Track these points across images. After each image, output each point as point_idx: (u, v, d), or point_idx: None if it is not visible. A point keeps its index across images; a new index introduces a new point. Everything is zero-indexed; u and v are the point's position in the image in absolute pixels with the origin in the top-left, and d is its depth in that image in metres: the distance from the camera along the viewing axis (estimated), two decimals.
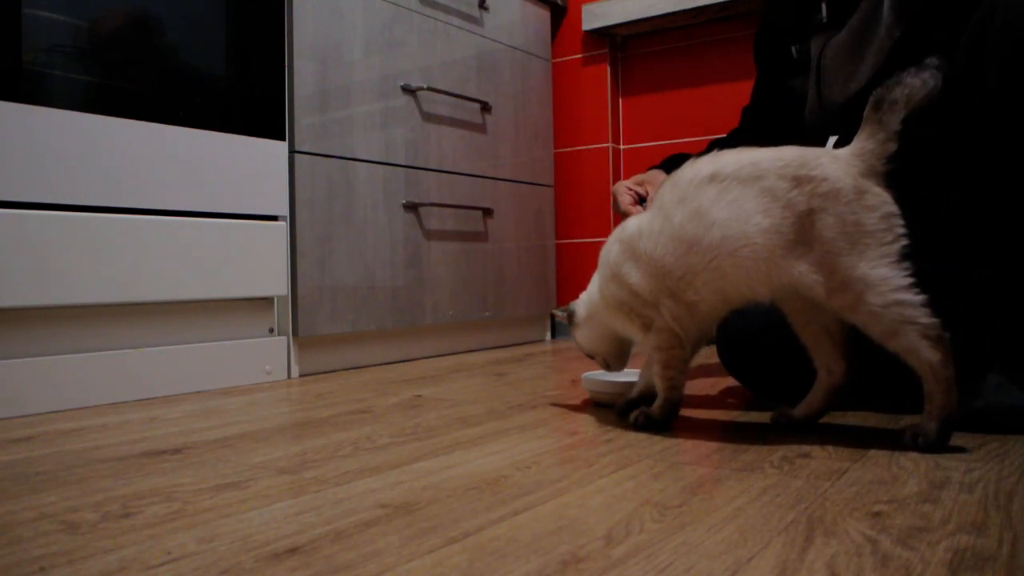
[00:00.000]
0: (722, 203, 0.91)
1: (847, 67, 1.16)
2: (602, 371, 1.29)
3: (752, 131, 1.38)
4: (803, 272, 0.88)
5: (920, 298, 0.83)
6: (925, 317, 0.83)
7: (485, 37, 2.14)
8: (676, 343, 0.99)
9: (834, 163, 0.88)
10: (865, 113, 0.88)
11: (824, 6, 1.19)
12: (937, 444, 0.86)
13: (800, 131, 1.32)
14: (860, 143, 0.88)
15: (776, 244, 0.88)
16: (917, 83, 0.84)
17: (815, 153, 0.90)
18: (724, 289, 0.93)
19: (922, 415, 0.87)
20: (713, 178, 0.92)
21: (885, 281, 0.84)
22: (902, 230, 0.85)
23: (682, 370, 1.01)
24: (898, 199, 0.87)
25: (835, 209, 0.86)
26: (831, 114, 1.21)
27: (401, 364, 1.83)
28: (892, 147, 0.86)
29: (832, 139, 1.38)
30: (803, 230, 0.87)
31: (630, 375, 1.28)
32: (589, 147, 2.51)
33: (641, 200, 1.26)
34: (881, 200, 0.86)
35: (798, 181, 0.87)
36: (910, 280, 0.84)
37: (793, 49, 1.25)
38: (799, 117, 1.28)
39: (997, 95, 0.91)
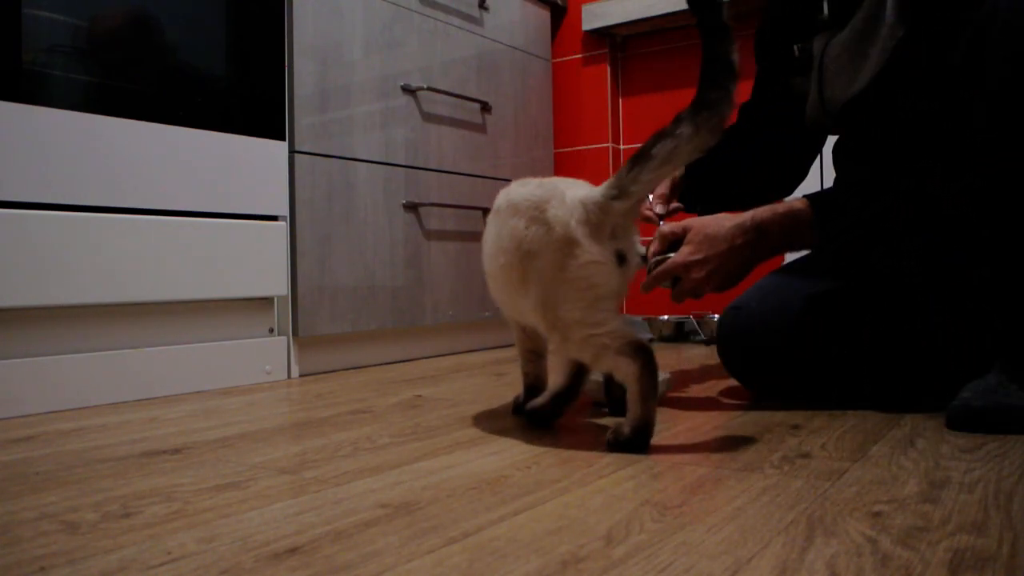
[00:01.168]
0: (491, 238, 0.97)
1: (849, 67, 1.15)
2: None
3: (749, 129, 1.38)
4: (529, 309, 0.93)
5: (612, 327, 0.88)
6: (615, 339, 0.88)
7: (485, 37, 2.14)
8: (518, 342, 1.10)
9: (561, 208, 0.89)
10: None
11: (825, 5, 1.19)
12: (629, 447, 0.89)
13: (800, 130, 1.31)
14: (595, 190, 0.90)
15: (512, 280, 0.93)
16: (670, 144, 0.84)
17: (557, 193, 0.91)
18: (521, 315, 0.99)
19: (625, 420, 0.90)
20: (496, 212, 0.98)
21: (581, 322, 0.89)
22: (601, 279, 0.88)
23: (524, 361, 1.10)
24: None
25: (547, 254, 0.89)
26: (832, 115, 1.21)
27: (401, 364, 1.83)
28: (621, 205, 0.88)
29: (832, 139, 1.38)
30: (526, 270, 0.91)
31: None
32: (589, 147, 2.51)
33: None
34: (584, 251, 0.88)
35: (531, 221, 0.90)
36: (602, 316, 0.89)
37: (795, 48, 1.25)
38: (800, 116, 1.28)
39: (997, 95, 0.91)
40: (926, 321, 1.11)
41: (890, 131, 1.12)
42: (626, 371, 0.88)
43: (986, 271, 0.99)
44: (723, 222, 1.09)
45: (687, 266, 1.09)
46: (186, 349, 1.42)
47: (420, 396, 1.32)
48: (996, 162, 0.94)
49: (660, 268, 1.11)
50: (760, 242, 1.08)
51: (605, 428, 1.03)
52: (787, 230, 1.07)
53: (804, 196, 1.10)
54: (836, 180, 1.32)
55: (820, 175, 1.89)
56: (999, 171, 0.93)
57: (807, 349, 1.16)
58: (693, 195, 1.33)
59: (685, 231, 1.11)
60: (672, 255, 1.10)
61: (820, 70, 1.20)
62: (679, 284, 1.11)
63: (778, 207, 1.09)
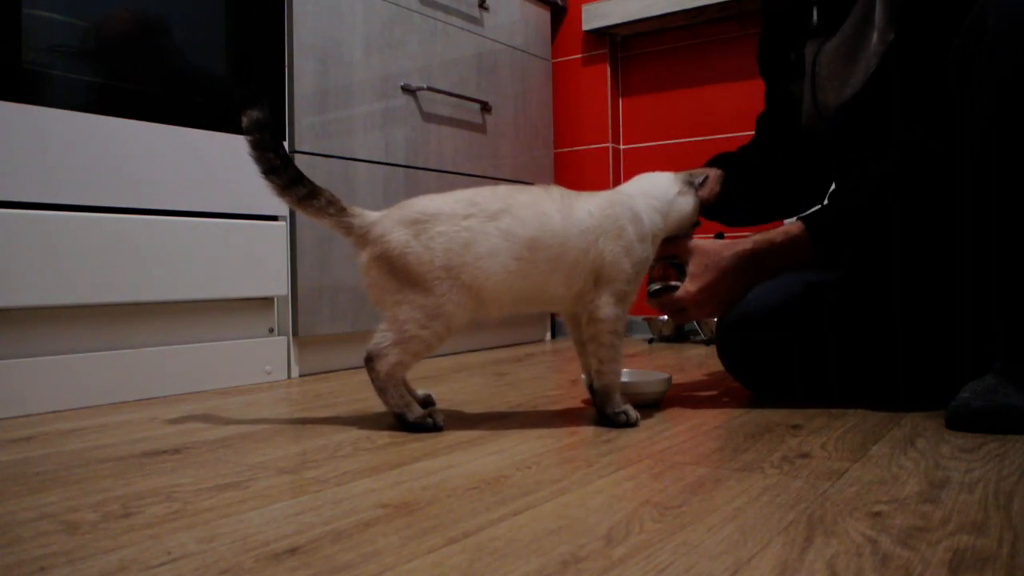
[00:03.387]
0: None
1: (841, 72, 1.16)
2: None
3: (760, 139, 1.38)
4: None
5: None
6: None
7: (485, 37, 2.14)
8: None
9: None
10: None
11: (815, 11, 1.20)
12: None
13: (801, 135, 1.31)
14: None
15: None
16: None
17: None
18: None
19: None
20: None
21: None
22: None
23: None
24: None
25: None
26: (827, 119, 1.21)
27: None
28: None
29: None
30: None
31: (630, 375, 1.28)
32: (589, 147, 2.51)
33: None
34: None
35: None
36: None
37: (791, 54, 1.26)
38: (799, 122, 1.28)
39: (1003, 96, 0.90)
40: (927, 321, 1.11)
41: (882, 134, 1.12)
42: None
43: (985, 272, 0.99)
44: (722, 252, 1.11)
45: (696, 303, 1.12)
46: (186, 349, 1.42)
47: None
48: (992, 166, 0.93)
49: (668, 301, 1.15)
50: (759, 269, 1.12)
51: (605, 428, 1.03)
52: (786, 255, 1.10)
53: (798, 218, 1.12)
54: (835, 181, 1.32)
55: None
56: (996, 174, 0.93)
57: (807, 346, 1.16)
58: (735, 213, 1.33)
59: (682, 255, 1.13)
60: (674, 284, 1.14)
61: (813, 76, 1.21)
62: (682, 314, 1.16)
63: (775, 235, 1.11)
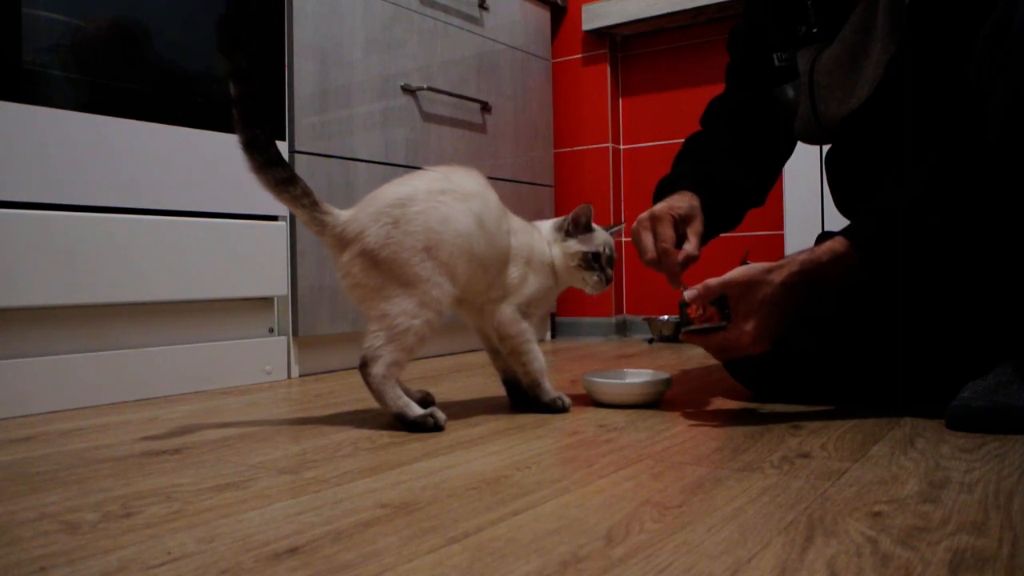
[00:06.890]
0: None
1: (844, 82, 1.13)
2: (602, 371, 1.29)
3: (724, 133, 1.33)
4: None
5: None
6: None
7: (485, 37, 2.14)
8: None
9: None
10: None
11: (813, 16, 1.15)
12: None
13: (783, 138, 1.30)
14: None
15: None
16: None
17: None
18: None
19: None
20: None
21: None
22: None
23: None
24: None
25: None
26: (829, 129, 1.19)
27: None
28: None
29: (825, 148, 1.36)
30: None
31: (630, 375, 1.28)
32: (589, 147, 2.51)
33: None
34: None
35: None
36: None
37: (775, 56, 1.22)
38: (781, 123, 1.26)
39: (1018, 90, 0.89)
40: (927, 321, 1.11)
41: (891, 143, 1.10)
42: None
43: (987, 270, 0.98)
44: (771, 281, 1.00)
45: (753, 341, 1.01)
46: (186, 349, 1.42)
47: None
48: (1007, 159, 0.92)
49: (719, 343, 1.04)
50: (808, 292, 1.02)
51: (605, 428, 1.04)
52: (832, 275, 1.00)
53: (842, 235, 1.02)
54: (832, 188, 1.31)
55: (820, 180, 1.89)
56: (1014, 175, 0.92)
57: (807, 347, 1.16)
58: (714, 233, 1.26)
59: (729, 291, 1.01)
60: (721, 325, 1.02)
61: (811, 85, 1.17)
62: (733, 353, 1.05)
63: (821, 254, 1.00)
